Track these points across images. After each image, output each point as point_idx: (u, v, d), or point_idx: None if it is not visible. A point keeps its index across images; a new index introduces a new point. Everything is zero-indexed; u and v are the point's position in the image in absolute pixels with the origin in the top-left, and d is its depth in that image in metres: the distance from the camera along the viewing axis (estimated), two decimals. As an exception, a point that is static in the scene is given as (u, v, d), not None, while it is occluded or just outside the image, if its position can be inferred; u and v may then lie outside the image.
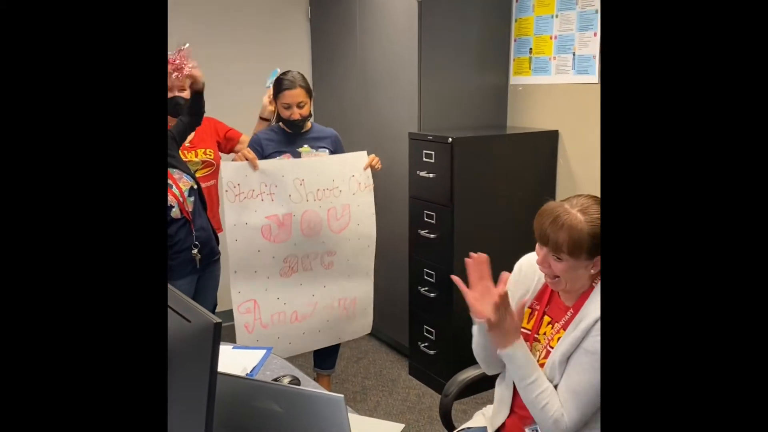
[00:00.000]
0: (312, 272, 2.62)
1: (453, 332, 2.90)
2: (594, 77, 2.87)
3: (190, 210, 2.28)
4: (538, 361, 1.49)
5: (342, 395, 1.14)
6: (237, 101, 3.14)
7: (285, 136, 2.65)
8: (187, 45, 2.28)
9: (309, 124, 2.70)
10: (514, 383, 1.52)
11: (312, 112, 2.70)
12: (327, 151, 2.69)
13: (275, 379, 1.67)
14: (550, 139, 3.06)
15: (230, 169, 2.44)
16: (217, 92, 2.57)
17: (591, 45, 2.86)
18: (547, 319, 1.53)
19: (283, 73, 2.63)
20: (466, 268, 1.49)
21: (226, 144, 2.95)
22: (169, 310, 1.02)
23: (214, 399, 1.00)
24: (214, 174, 2.90)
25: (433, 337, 3.04)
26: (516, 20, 3.22)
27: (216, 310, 2.64)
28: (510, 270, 1.64)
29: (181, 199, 2.25)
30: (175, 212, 2.24)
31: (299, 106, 2.57)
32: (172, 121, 2.43)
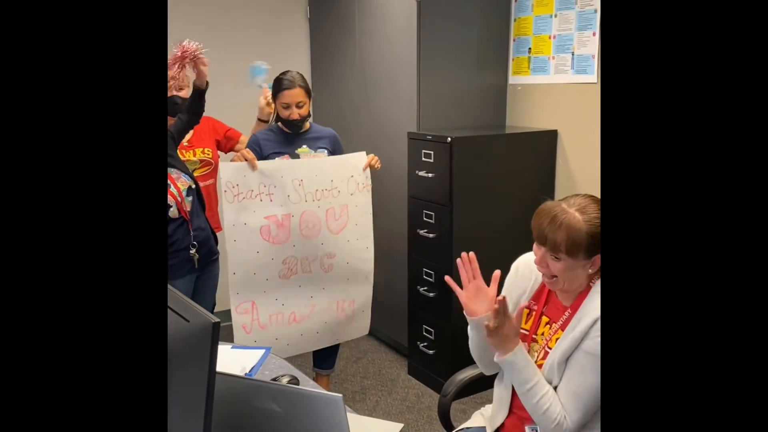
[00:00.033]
0: (311, 274, 2.62)
1: (452, 332, 2.90)
2: (593, 77, 2.87)
3: (188, 210, 2.28)
4: (536, 361, 1.49)
5: (341, 395, 1.14)
6: (236, 101, 3.13)
7: (284, 136, 2.65)
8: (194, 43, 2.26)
9: (308, 125, 2.70)
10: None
11: (311, 112, 2.70)
12: (326, 151, 2.69)
13: (274, 379, 1.67)
14: (549, 138, 3.06)
15: (229, 169, 2.43)
16: (216, 92, 2.56)
17: (590, 45, 2.86)
18: (545, 319, 1.53)
19: (282, 73, 2.63)
20: (458, 268, 1.50)
21: (227, 143, 2.95)
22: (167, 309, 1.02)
23: (213, 399, 1.00)
24: (213, 173, 2.90)
25: (432, 337, 3.04)
26: (515, 20, 3.22)
27: (215, 310, 2.64)
28: (509, 269, 1.65)
29: (179, 198, 2.24)
30: (172, 212, 2.23)
31: (298, 106, 2.57)
32: (170, 120, 2.42)
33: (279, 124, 2.67)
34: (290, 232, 2.53)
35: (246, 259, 2.48)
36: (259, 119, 2.79)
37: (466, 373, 1.84)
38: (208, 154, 2.85)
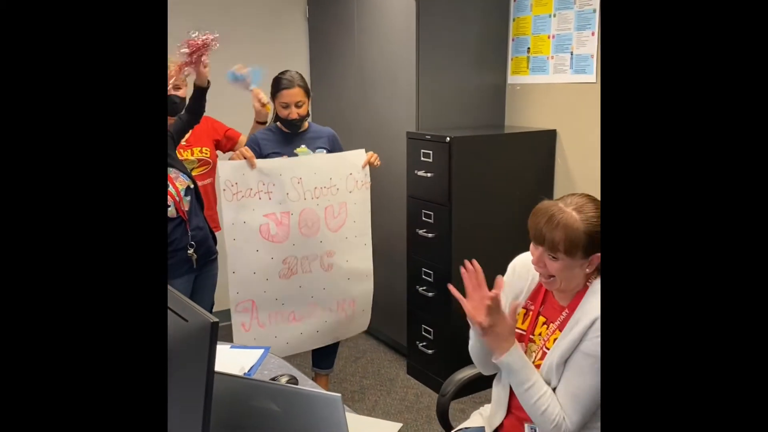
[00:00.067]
0: (311, 274, 2.61)
1: (451, 331, 2.90)
2: (592, 77, 2.87)
3: (186, 209, 2.28)
4: (534, 362, 1.48)
5: (339, 394, 1.14)
6: (235, 101, 3.13)
7: (282, 136, 2.65)
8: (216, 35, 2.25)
9: (306, 124, 2.70)
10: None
11: (310, 112, 2.70)
12: (324, 151, 2.69)
13: (273, 379, 1.67)
14: (548, 138, 3.06)
15: (228, 167, 2.43)
16: (216, 92, 2.56)
17: (589, 44, 2.86)
18: (542, 319, 1.53)
19: (281, 73, 2.63)
20: (463, 277, 1.48)
21: (227, 143, 2.95)
22: (166, 309, 1.02)
23: (212, 398, 1.00)
24: (211, 172, 2.90)
25: (431, 337, 3.04)
26: (514, 19, 3.22)
27: (213, 310, 2.63)
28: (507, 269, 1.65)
29: (177, 198, 2.24)
30: (170, 211, 2.23)
31: (297, 105, 2.57)
32: (169, 120, 2.42)
33: (278, 123, 2.67)
34: (290, 231, 2.53)
35: (246, 258, 2.48)
36: (256, 121, 2.79)
37: (465, 373, 1.83)
38: (206, 154, 2.85)
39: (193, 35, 2.20)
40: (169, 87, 2.40)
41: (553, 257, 1.40)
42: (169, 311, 1.04)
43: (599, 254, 1.40)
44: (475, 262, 1.47)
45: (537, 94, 3.15)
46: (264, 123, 2.76)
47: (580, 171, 2.98)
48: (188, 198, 2.30)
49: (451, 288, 1.49)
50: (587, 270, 1.43)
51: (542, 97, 3.13)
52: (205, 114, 2.42)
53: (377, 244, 2.79)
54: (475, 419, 1.72)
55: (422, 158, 2.91)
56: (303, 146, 2.65)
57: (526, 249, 1.57)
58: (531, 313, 1.55)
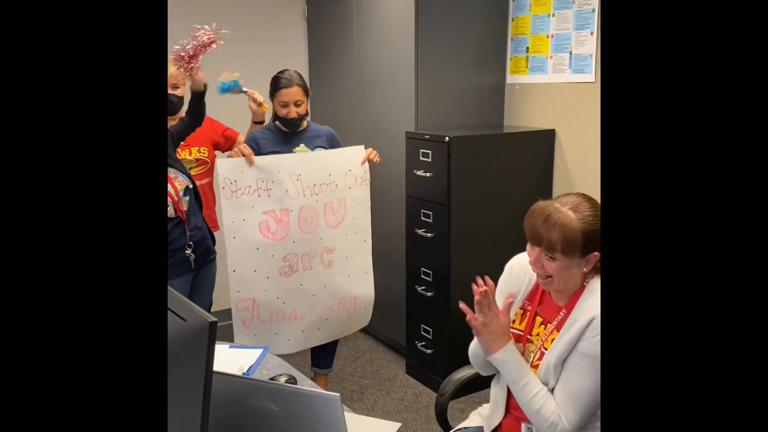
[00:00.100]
0: (312, 272, 2.61)
1: (450, 331, 2.90)
2: (591, 76, 2.87)
3: (185, 209, 2.28)
4: (532, 363, 1.48)
5: (338, 394, 1.14)
6: (234, 100, 3.13)
7: (281, 135, 2.65)
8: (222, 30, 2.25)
9: (305, 123, 2.70)
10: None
11: (309, 111, 2.70)
12: (323, 150, 2.69)
13: (272, 378, 1.67)
14: (547, 138, 3.07)
15: (227, 165, 2.43)
16: (214, 91, 2.56)
17: (588, 44, 2.86)
18: (539, 319, 1.53)
19: (280, 72, 2.63)
20: (475, 294, 1.44)
21: (225, 143, 2.95)
22: (164, 309, 1.02)
23: (210, 398, 1.00)
24: (209, 172, 2.90)
25: (430, 336, 3.04)
26: (513, 19, 3.22)
27: (212, 310, 2.63)
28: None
29: (176, 198, 2.24)
30: (169, 211, 2.23)
31: (296, 104, 2.57)
32: (172, 120, 2.43)
33: (277, 122, 2.67)
34: (289, 228, 2.52)
35: (246, 256, 2.48)
36: (254, 122, 2.79)
37: (464, 373, 1.83)
38: (204, 153, 2.85)
39: (201, 31, 2.20)
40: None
41: (551, 257, 1.40)
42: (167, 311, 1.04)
43: (596, 253, 1.40)
44: (488, 279, 1.45)
45: (536, 93, 3.15)
46: (261, 123, 2.76)
47: (579, 170, 2.98)
48: (187, 198, 2.29)
49: (463, 306, 1.47)
50: (584, 269, 1.43)
51: (541, 97, 3.13)
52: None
53: (376, 244, 2.79)
54: (473, 419, 1.72)
55: (421, 158, 2.91)
56: (302, 145, 2.65)
57: (525, 248, 1.57)
58: (528, 313, 1.55)
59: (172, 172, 2.26)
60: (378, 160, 2.70)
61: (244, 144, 2.51)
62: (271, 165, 2.48)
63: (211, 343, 1.00)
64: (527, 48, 3.16)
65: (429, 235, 2.92)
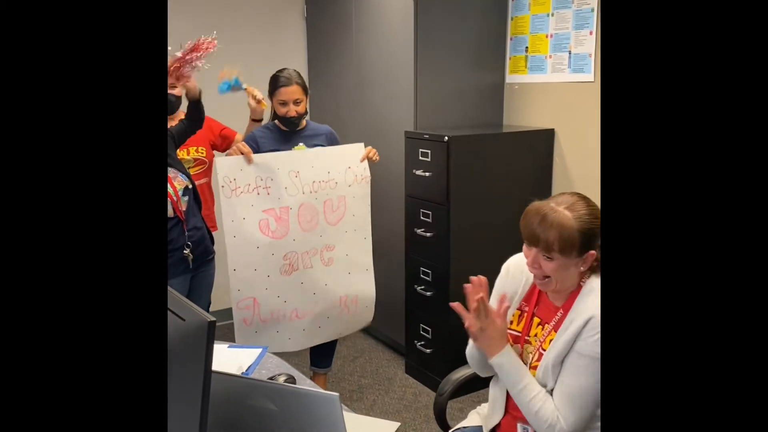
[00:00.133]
0: (312, 270, 2.61)
1: (449, 331, 2.90)
2: (590, 76, 2.87)
3: (184, 209, 2.28)
4: (531, 364, 1.48)
5: (337, 393, 1.14)
6: (233, 100, 3.13)
7: (280, 134, 2.65)
8: (214, 36, 2.24)
9: (304, 122, 2.70)
10: None
11: (308, 110, 2.70)
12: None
13: (271, 378, 1.67)
14: (546, 137, 3.07)
15: (226, 164, 2.43)
16: (213, 91, 2.56)
17: (587, 43, 2.86)
18: (536, 320, 1.52)
19: (279, 71, 2.63)
20: (465, 294, 1.46)
21: (222, 142, 2.95)
22: (163, 308, 1.02)
23: (209, 398, 1.00)
24: (207, 172, 2.90)
25: (429, 336, 3.04)
26: (512, 18, 3.22)
27: (210, 310, 2.63)
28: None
29: (174, 198, 2.24)
30: (167, 211, 2.23)
31: (296, 102, 2.57)
32: (171, 121, 2.43)
33: (276, 121, 2.67)
34: (289, 226, 2.52)
35: (246, 255, 2.47)
36: (252, 119, 2.79)
37: (463, 372, 1.83)
38: (202, 153, 2.85)
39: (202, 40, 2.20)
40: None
41: (548, 257, 1.40)
42: (166, 310, 1.04)
43: (593, 252, 1.41)
44: (482, 277, 1.47)
45: (535, 93, 3.15)
46: (260, 121, 2.76)
47: (578, 170, 2.98)
48: (186, 198, 2.29)
49: (454, 305, 1.48)
50: (582, 268, 1.43)
51: (540, 97, 3.13)
52: (201, 114, 2.42)
53: (376, 243, 2.79)
54: (472, 418, 1.72)
55: (420, 158, 2.91)
56: (301, 144, 2.65)
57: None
58: (526, 314, 1.55)
59: (171, 172, 2.26)
60: (377, 158, 2.70)
61: (242, 143, 2.51)
62: (269, 162, 2.48)
63: (210, 342, 1.00)
64: (526, 47, 3.16)
65: (428, 234, 2.92)
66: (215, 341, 1.07)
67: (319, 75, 3.79)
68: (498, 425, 1.59)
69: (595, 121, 2.86)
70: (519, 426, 1.52)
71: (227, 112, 3.03)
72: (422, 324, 3.07)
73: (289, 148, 2.62)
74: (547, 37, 3.05)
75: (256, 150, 2.55)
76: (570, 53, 2.95)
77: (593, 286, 1.43)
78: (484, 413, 1.68)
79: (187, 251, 2.28)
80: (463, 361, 1.80)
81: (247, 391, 1.22)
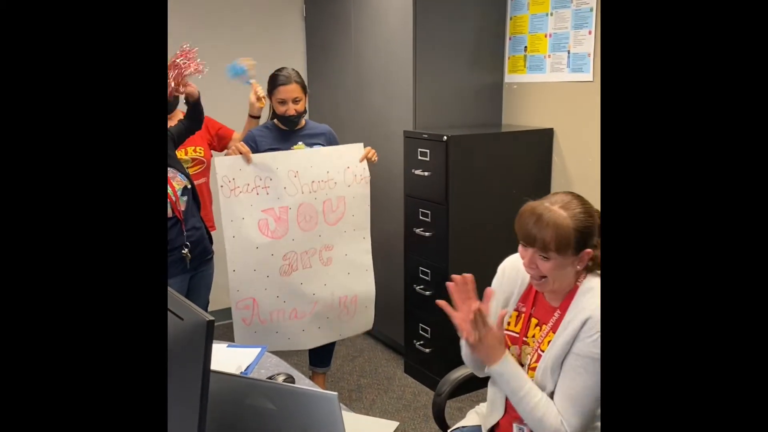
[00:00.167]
0: (312, 270, 2.60)
1: (448, 330, 2.87)
2: (589, 75, 2.87)
3: (182, 209, 2.27)
4: (529, 365, 1.48)
5: (336, 393, 1.14)
6: (232, 100, 3.13)
7: (279, 133, 2.65)
8: (188, 45, 2.26)
9: (303, 122, 2.70)
10: None
11: (307, 109, 2.70)
12: (321, 146, 2.69)
13: (270, 377, 1.67)
14: (545, 137, 3.07)
15: (225, 164, 2.43)
16: (212, 91, 2.56)
17: (586, 43, 2.86)
18: (534, 321, 1.52)
19: (278, 70, 2.63)
20: (449, 292, 1.47)
21: (219, 142, 2.95)
22: (162, 308, 1.02)
23: (208, 397, 1.00)
24: (205, 172, 2.90)
25: (428, 335, 3.04)
26: (511, 18, 3.22)
27: (209, 309, 2.63)
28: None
29: (173, 198, 2.24)
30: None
31: (295, 101, 2.57)
32: (171, 121, 2.43)
33: (275, 121, 2.67)
34: (288, 226, 2.52)
35: (245, 256, 2.47)
36: (250, 115, 2.79)
37: (461, 372, 1.83)
38: (200, 153, 2.85)
39: (184, 48, 2.21)
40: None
41: (545, 257, 1.40)
42: (164, 310, 1.04)
43: (589, 250, 1.41)
44: (468, 275, 1.47)
45: (534, 92, 3.15)
46: (257, 118, 2.76)
47: (577, 169, 2.98)
48: (185, 198, 2.29)
49: (442, 303, 1.48)
50: (578, 267, 1.43)
51: (539, 96, 3.13)
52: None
53: (374, 243, 2.79)
54: (471, 418, 1.72)
55: (419, 157, 2.91)
56: (300, 143, 2.65)
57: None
58: (523, 315, 1.55)
59: (170, 172, 2.25)
60: (376, 159, 2.69)
61: (241, 143, 2.51)
62: (268, 162, 2.48)
63: (209, 342, 1.00)
64: (525, 47, 3.16)
65: (427, 234, 2.92)
66: (214, 341, 1.07)
67: (318, 75, 3.79)
68: (497, 425, 1.59)
69: (593, 121, 2.86)
70: (515, 426, 1.52)
71: (225, 111, 3.03)
72: (421, 323, 3.07)
73: (288, 148, 2.62)
74: (546, 36, 3.05)
75: (255, 149, 2.55)
76: (569, 53, 2.95)
77: (589, 286, 1.43)
78: (482, 412, 1.68)
79: (185, 251, 2.28)
80: (461, 361, 1.80)
81: (245, 391, 1.22)
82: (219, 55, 3.55)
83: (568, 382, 1.40)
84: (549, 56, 3.05)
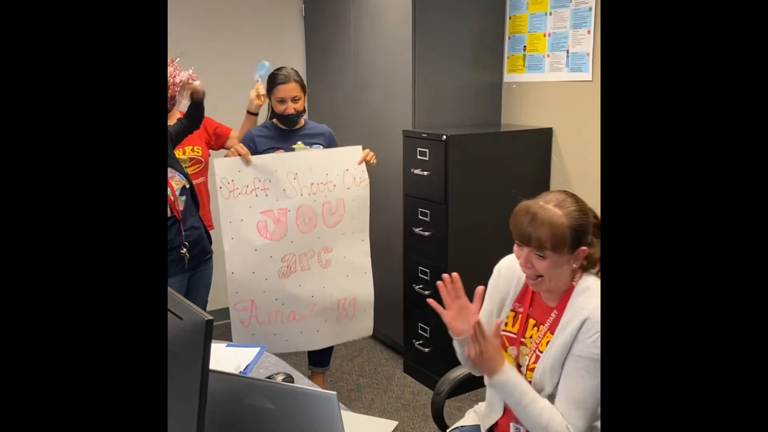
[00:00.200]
0: (310, 272, 2.60)
1: (448, 330, 2.89)
2: (588, 75, 2.87)
3: (181, 209, 2.27)
4: (527, 366, 1.48)
5: (335, 392, 1.14)
6: (232, 99, 3.13)
7: (278, 133, 2.65)
8: (177, 59, 2.27)
9: (302, 121, 2.70)
10: None
11: (306, 108, 2.70)
12: (321, 148, 2.68)
13: (269, 377, 1.67)
14: (544, 136, 3.07)
15: (224, 165, 2.43)
16: (212, 90, 2.56)
17: (585, 42, 2.86)
18: (531, 321, 1.52)
19: (277, 69, 2.63)
20: (440, 291, 1.49)
21: (216, 140, 2.95)
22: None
23: (206, 396, 1.00)
24: (203, 171, 2.90)
25: (427, 335, 3.04)
26: (510, 18, 3.22)
27: (207, 309, 2.63)
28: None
29: (172, 197, 2.24)
30: (165, 211, 2.23)
31: (294, 100, 2.57)
32: (170, 120, 2.43)
33: (274, 120, 2.67)
34: (287, 228, 2.52)
35: (244, 257, 2.47)
36: (248, 112, 2.79)
37: (459, 371, 1.83)
38: (198, 152, 2.85)
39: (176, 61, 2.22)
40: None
41: (541, 256, 1.40)
42: (163, 309, 1.04)
43: (584, 248, 1.41)
44: (455, 274, 1.49)
45: (533, 92, 3.15)
46: (255, 115, 2.76)
47: (576, 168, 2.98)
48: (183, 198, 2.29)
49: (431, 302, 1.50)
50: (574, 265, 1.43)
51: (538, 96, 3.13)
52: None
53: (373, 242, 2.79)
54: (469, 417, 1.72)
55: (419, 156, 2.91)
56: (299, 143, 2.65)
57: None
58: (521, 315, 1.54)
59: (169, 172, 2.25)
60: (374, 162, 2.69)
61: (240, 144, 2.51)
62: (268, 164, 2.48)
63: (208, 341, 1.00)
64: (524, 46, 3.16)
65: (426, 233, 2.92)
66: (213, 340, 1.07)
67: (317, 74, 3.79)
68: (495, 425, 1.59)
69: (592, 120, 2.86)
70: (512, 426, 1.52)
71: (223, 111, 3.03)
72: (420, 323, 3.07)
73: (288, 147, 2.62)
74: (545, 36, 3.05)
75: (254, 150, 2.55)
76: (568, 52, 2.95)
77: (585, 285, 1.43)
78: (481, 412, 1.68)
79: (183, 251, 2.28)
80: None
81: (244, 390, 1.22)
82: (219, 55, 3.57)
83: (571, 385, 1.39)
84: (548, 56, 3.05)
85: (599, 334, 1.34)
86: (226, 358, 1.80)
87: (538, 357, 1.46)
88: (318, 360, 2.88)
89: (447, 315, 1.49)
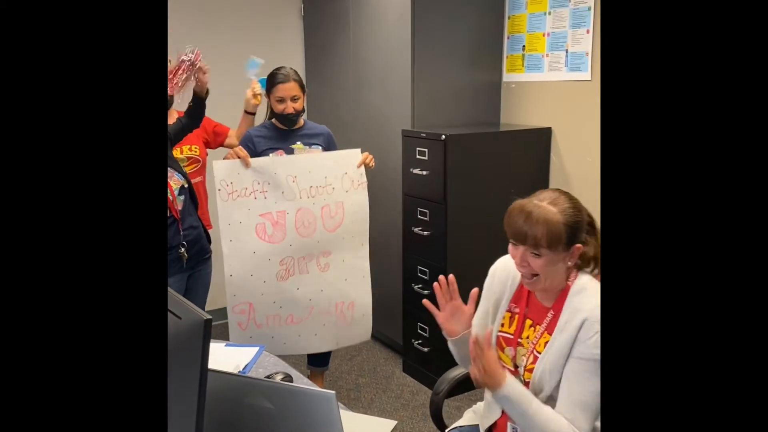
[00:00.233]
0: (308, 275, 2.60)
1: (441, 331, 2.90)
2: (587, 74, 2.88)
3: (179, 209, 2.27)
4: (525, 366, 1.47)
5: (333, 392, 1.14)
6: (231, 99, 3.13)
7: (277, 133, 2.65)
8: (196, 49, 2.26)
9: (302, 121, 2.70)
10: None
11: (305, 108, 2.70)
12: (320, 148, 2.68)
13: (268, 377, 1.67)
14: (543, 136, 3.07)
15: (222, 167, 2.43)
16: (211, 90, 2.56)
17: (584, 42, 2.86)
18: (528, 321, 1.52)
19: (277, 68, 2.63)
20: (435, 292, 1.51)
21: (215, 139, 2.95)
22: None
23: (205, 396, 1.00)
24: (201, 171, 2.90)
25: (426, 335, 3.04)
26: (509, 17, 3.22)
27: (206, 309, 2.62)
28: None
29: (170, 197, 2.24)
30: (164, 210, 2.22)
31: (293, 99, 2.57)
32: (169, 119, 2.42)
33: (273, 120, 2.66)
34: (286, 231, 2.52)
35: (243, 260, 2.47)
36: (245, 111, 2.78)
37: (458, 371, 1.83)
38: (196, 152, 2.85)
39: (188, 51, 2.21)
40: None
41: (536, 254, 1.40)
42: (162, 309, 1.04)
43: (579, 246, 1.41)
44: (451, 276, 1.50)
45: (532, 91, 3.15)
46: (253, 114, 2.76)
47: (575, 168, 2.99)
48: (182, 198, 2.29)
49: (426, 303, 1.51)
50: (569, 263, 1.43)
51: (537, 95, 3.13)
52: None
53: (373, 242, 2.79)
54: (468, 417, 1.72)
55: (417, 156, 2.91)
56: (299, 143, 2.64)
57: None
58: (517, 316, 1.54)
59: (167, 171, 2.25)
60: (373, 165, 2.69)
61: (239, 147, 2.51)
62: (267, 166, 2.48)
63: (206, 340, 1.00)
64: (523, 46, 3.16)
65: (425, 233, 2.92)
66: (212, 340, 1.07)
67: (316, 74, 3.79)
68: (494, 425, 1.59)
69: (592, 120, 2.86)
70: (509, 426, 1.52)
71: (225, 110, 3.03)
72: (420, 323, 3.07)
73: (287, 147, 2.62)
74: (544, 35, 3.05)
75: (253, 150, 2.55)
76: (567, 52, 2.95)
77: (581, 285, 1.43)
78: (480, 412, 1.68)
79: (182, 250, 2.27)
80: (460, 360, 1.81)
81: (243, 390, 1.22)
82: (219, 55, 3.56)
83: (576, 388, 1.38)
84: (547, 55, 3.05)
85: (599, 334, 1.34)
86: (225, 357, 1.80)
87: (536, 358, 1.46)
88: (317, 360, 2.88)
89: (441, 316, 1.51)
